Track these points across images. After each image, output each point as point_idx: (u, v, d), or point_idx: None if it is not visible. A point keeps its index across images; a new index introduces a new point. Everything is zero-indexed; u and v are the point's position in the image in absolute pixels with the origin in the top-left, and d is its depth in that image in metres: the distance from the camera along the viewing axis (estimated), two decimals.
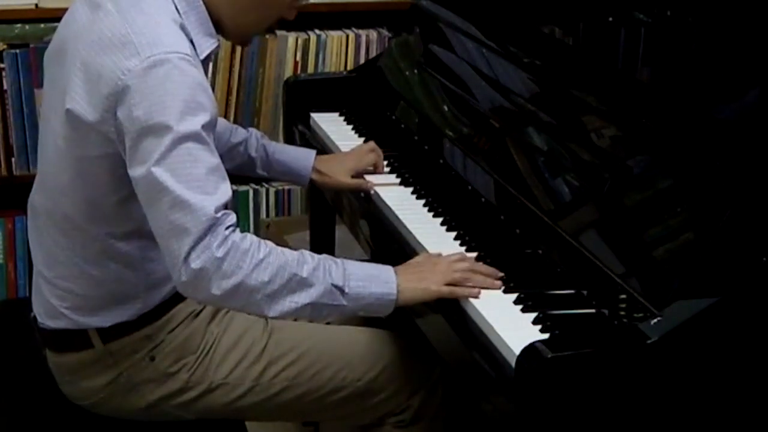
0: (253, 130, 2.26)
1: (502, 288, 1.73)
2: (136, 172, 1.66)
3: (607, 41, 2.03)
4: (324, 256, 1.75)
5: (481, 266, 1.78)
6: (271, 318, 1.72)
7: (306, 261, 1.71)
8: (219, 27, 1.82)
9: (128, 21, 1.68)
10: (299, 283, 1.69)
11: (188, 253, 1.63)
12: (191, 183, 1.63)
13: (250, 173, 2.26)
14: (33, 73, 2.79)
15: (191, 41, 1.74)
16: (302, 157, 2.24)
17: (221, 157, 1.72)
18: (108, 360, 1.85)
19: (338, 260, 1.75)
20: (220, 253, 1.63)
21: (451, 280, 1.74)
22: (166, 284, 1.86)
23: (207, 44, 1.78)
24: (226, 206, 1.67)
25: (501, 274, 1.76)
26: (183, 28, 1.73)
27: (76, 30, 1.76)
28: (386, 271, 1.76)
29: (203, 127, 1.65)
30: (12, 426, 1.91)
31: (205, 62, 1.79)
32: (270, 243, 1.71)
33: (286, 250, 1.71)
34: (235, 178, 1.91)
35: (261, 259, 1.67)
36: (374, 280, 1.74)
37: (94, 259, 1.81)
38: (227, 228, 1.66)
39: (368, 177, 2.22)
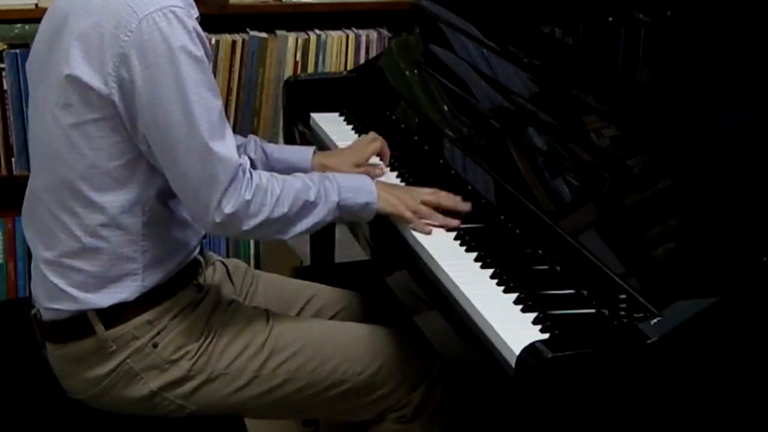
0: (252, 136, 2.27)
1: (455, 233, 1.91)
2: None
3: (607, 41, 2.03)
4: (316, 175, 1.93)
5: (449, 199, 1.97)
6: (286, 239, 1.88)
7: (309, 185, 1.88)
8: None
9: None
10: (309, 207, 1.87)
11: (220, 200, 1.76)
12: (212, 132, 1.74)
13: None
14: None
15: None
16: (302, 153, 2.25)
17: None
18: (110, 347, 1.86)
19: (328, 175, 1.93)
20: (248, 195, 1.79)
21: (416, 209, 1.93)
22: (164, 264, 1.88)
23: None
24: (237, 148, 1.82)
25: (467, 208, 1.97)
26: None
27: (64, 15, 1.80)
28: (369, 184, 1.95)
29: (210, 72, 1.76)
30: (12, 425, 1.92)
31: None
32: (276, 175, 1.88)
33: (289, 178, 1.88)
34: None
35: (279, 194, 1.83)
36: (360, 191, 1.93)
37: (94, 232, 1.83)
38: (247, 171, 1.80)
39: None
